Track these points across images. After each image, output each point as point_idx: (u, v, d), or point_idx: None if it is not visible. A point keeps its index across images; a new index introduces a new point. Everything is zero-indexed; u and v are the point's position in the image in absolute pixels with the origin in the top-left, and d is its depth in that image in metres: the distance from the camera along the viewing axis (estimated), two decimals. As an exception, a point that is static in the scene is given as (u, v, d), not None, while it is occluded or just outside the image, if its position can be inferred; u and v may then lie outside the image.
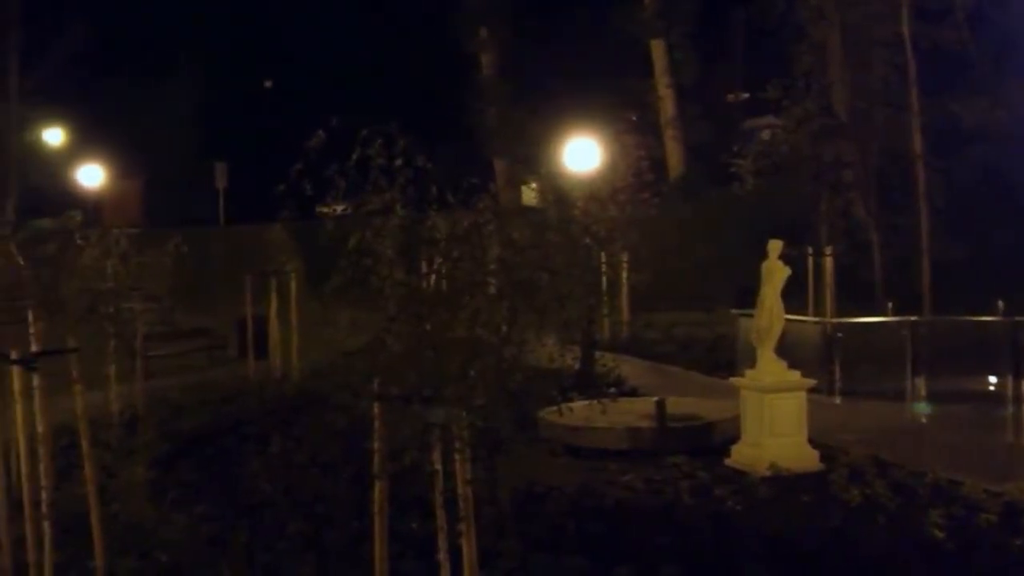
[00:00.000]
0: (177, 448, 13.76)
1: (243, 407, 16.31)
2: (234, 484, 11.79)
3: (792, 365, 12.50)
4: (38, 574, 8.90)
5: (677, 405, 13.65)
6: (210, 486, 11.84)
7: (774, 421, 12.11)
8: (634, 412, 13.75)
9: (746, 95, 42.09)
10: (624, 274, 21.94)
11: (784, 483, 11.18)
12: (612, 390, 15.37)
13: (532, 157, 27.12)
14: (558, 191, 14.00)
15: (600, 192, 17.66)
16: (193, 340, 22.79)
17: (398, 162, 6.87)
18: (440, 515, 6.96)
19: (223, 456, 13.48)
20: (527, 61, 39.79)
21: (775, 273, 12.24)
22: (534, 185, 30.30)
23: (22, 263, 9.16)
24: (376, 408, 6.92)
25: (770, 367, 12.32)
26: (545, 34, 39.77)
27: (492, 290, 6.52)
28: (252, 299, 19.66)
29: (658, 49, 38.39)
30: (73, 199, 42.77)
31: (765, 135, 31.04)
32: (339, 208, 7.66)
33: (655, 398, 13.40)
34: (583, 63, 37.21)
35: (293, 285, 18.85)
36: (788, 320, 12.59)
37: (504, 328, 6.39)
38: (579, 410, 12.49)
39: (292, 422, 14.11)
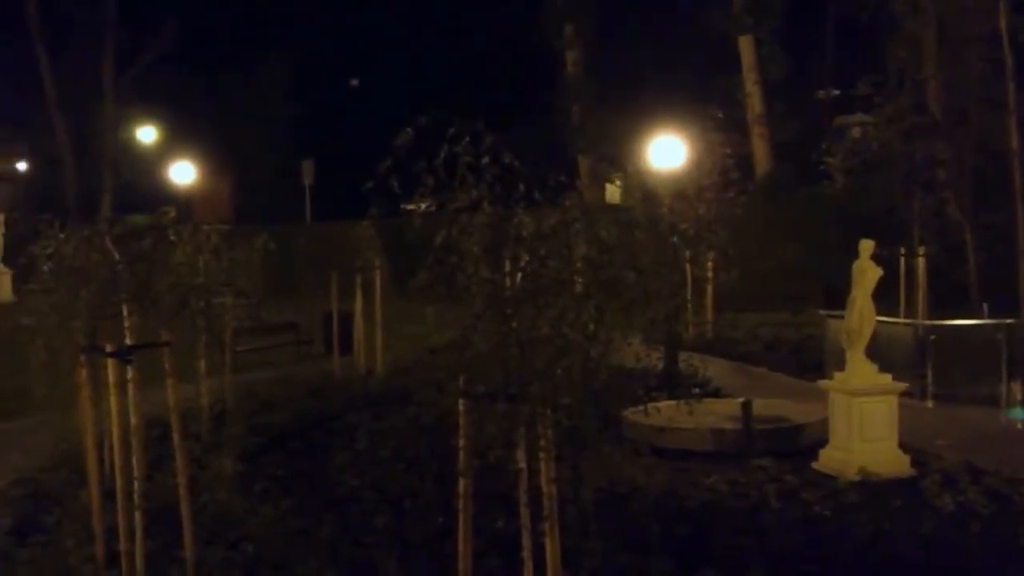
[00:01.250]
0: (264, 441, 13.97)
1: (328, 402, 16.50)
2: (320, 478, 11.93)
3: (883, 368, 12.24)
4: (130, 563, 9.09)
5: (763, 407, 13.45)
6: (296, 479, 11.99)
7: (864, 425, 11.87)
8: (719, 413, 13.60)
9: (836, 92, 41.37)
10: (709, 273, 21.73)
11: (874, 488, 10.94)
12: (696, 390, 15.21)
13: (616, 155, 26.96)
14: (645, 189, 13.92)
15: (686, 190, 17.50)
16: (280, 335, 23.14)
17: (485, 159, 6.87)
18: (524, 513, 6.95)
19: (309, 450, 13.65)
20: (612, 58, 39.65)
21: (866, 273, 11.99)
22: (618, 183, 30.17)
23: (117, 258, 9.35)
24: (461, 405, 6.93)
25: (860, 370, 12.07)
26: (631, 31, 39.60)
27: (579, 288, 6.48)
28: (338, 295, 19.89)
29: (746, 45, 37.91)
30: (165, 196, 43.68)
31: (855, 133, 30.45)
32: (423, 205, 7.69)
33: (741, 399, 13.21)
34: (669, 60, 36.96)
35: (378, 282, 19.03)
36: (879, 322, 12.32)
37: (591, 327, 6.35)
38: (663, 410, 12.38)
39: (377, 417, 14.25)
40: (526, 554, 6.99)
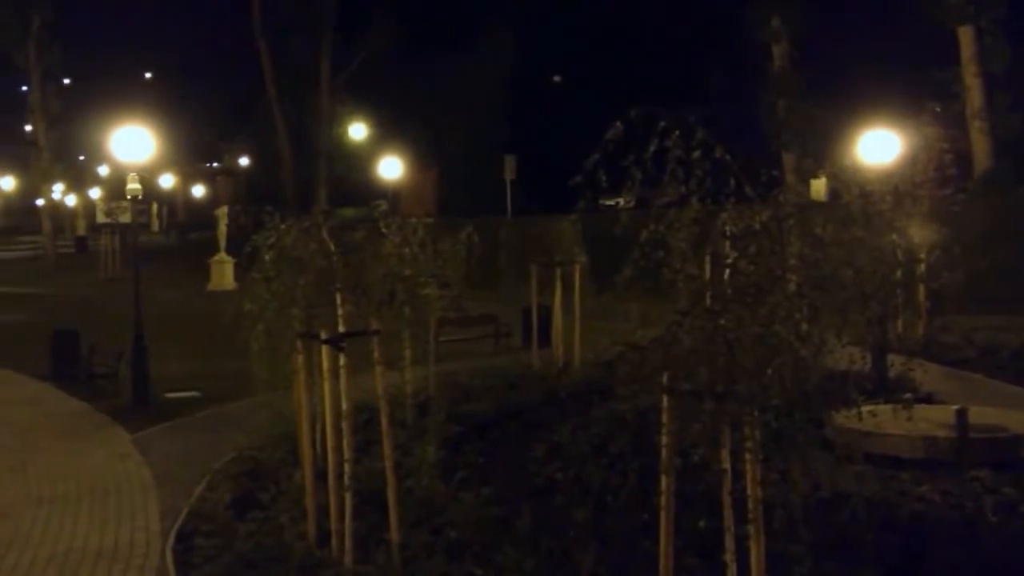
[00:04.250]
0: (465, 430, 14.25)
1: (527, 394, 16.67)
2: (518, 468, 12.06)
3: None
4: (339, 542, 9.45)
5: (980, 415, 12.79)
6: (495, 469, 12.17)
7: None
8: (930, 420, 13.00)
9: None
10: (922, 273, 20.77)
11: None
12: (907, 396, 14.57)
13: (823, 150, 26.15)
14: (862, 184, 13.41)
15: (900, 186, 16.77)
16: (481, 327, 23.52)
17: (696, 154, 6.77)
18: (728, 515, 6.82)
19: (507, 440, 13.82)
20: (819, 51, 38.51)
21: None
22: (824, 179, 29.24)
23: (332, 249, 9.70)
24: (665, 402, 6.86)
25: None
26: (841, 23, 38.35)
27: (792, 287, 6.30)
28: (538, 289, 20.06)
29: (966, 36, 36.06)
30: (374, 190, 45.14)
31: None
32: (622, 201, 7.64)
33: (955, 406, 12.59)
34: (881, 52, 35.60)
35: (578, 276, 19.08)
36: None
37: (803, 326, 6.16)
38: (869, 415, 11.91)
39: (575, 411, 14.29)
40: (729, 556, 6.86)
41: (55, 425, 16.55)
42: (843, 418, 11.89)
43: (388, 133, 52.91)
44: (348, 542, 9.31)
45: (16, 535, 11.03)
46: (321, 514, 9.97)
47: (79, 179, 75.64)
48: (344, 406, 9.51)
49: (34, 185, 63.28)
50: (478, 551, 9.31)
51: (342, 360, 9.55)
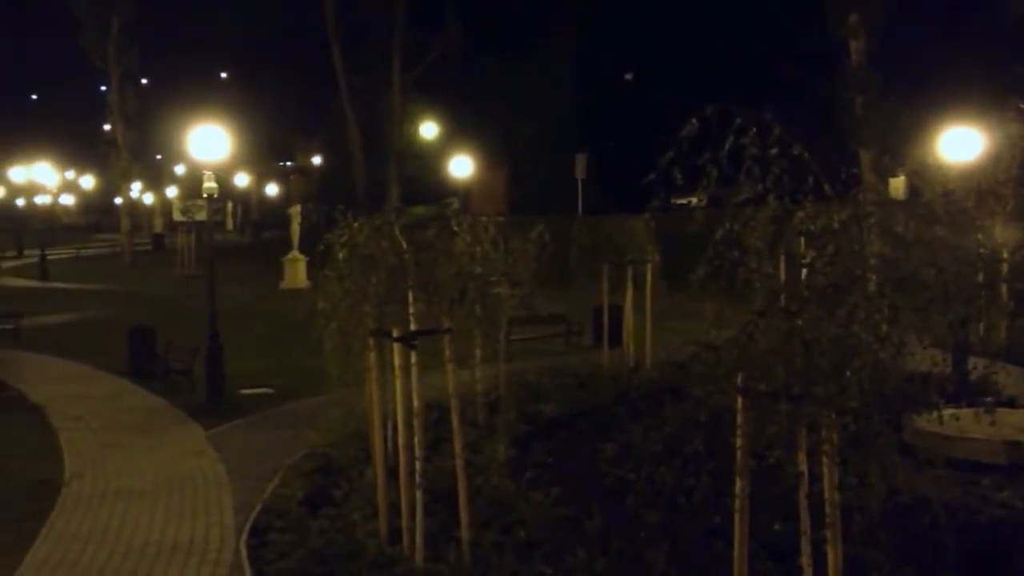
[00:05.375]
0: (534, 429, 14.22)
1: (598, 394, 16.59)
2: (588, 468, 12.01)
3: None
4: (410, 540, 9.46)
5: (1066, 420, 12.42)
6: (565, 468, 12.12)
7: None
8: (1013, 424, 12.70)
9: None
10: (1006, 273, 20.23)
11: None
12: (989, 399, 14.20)
13: (901, 147, 25.64)
14: (944, 182, 13.12)
15: (983, 185, 16.36)
16: (551, 326, 23.47)
17: (773, 151, 6.64)
18: (804, 518, 6.70)
19: (578, 440, 13.77)
20: (898, 47, 37.79)
21: None
22: (902, 177, 28.69)
23: (404, 247, 9.72)
24: (740, 403, 6.75)
25: None
26: (920, 18, 37.61)
27: (872, 287, 6.15)
28: (609, 288, 19.96)
29: (1049, 30, 35.15)
30: (444, 189, 45.33)
31: None
32: (695, 199, 7.54)
33: (1040, 411, 12.26)
34: (961, 47, 34.83)
35: (649, 275, 18.95)
36: None
37: (883, 327, 6.02)
38: (951, 418, 11.65)
39: (646, 411, 14.18)
40: (805, 560, 6.73)
41: (133, 420, 16.85)
42: (923, 421, 11.64)
43: (459, 131, 53.08)
44: (419, 540, 9.32)
45: (94, 528, 11.24)
46: (392, 512, 10.00)
47: (156, 178, 77.07)
48: (415, 404, 9.53)
49: (113, 184, 64.55)
50: (548, 551, 9.28)
51: (413, 358, 9.57)
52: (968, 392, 14.95)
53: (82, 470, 13.66)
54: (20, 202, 76.92)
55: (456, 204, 12.96)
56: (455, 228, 10.38)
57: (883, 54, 38.60)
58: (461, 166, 42.53)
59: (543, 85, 56.55)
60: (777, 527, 8.23)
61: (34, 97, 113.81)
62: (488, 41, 55.02)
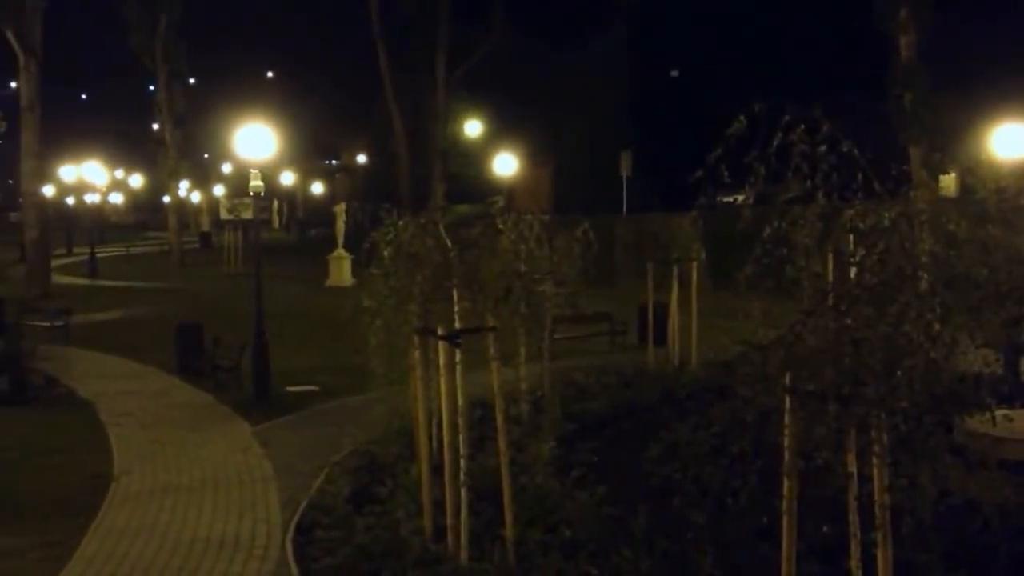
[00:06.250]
0: (579, 428, 14.19)
1: (643, 393, 16.53)
2: (633, 468, 11.95)
3: None
4: (455, 538, 9.47)
5: (1122, 422, 12.14)
6: (610, 467, 12.08)
7: None
8: (1067, 426, 12.41)
9: None
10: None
11: None
12: (1040, 400, 13.96)
13: (952, 145, 25.26)
14: (996, 180, 12.91)
15: (1034, 182, 16.10)
16: (596, 324, 23.41)
17: (822, 148, 6.56)
18: (853, 520, 6.61)
19: (623, 439, 13.72)
20: (950, 43, 37.25)
21: None
22: (953, 174, 28.27)
23: (449, 246, 9.72)
24: (788, 403, 6.68)
25: None
26: (970, 13, 37.07)
27: (923, 285, 6.06)
28: (654, 286, 19.87)
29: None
30: (488, 187, 45.34)
31: None
32: (740, 198, 7.47)
33: (1095, 412, 11.99)
34: (1013, 42, 34.27)
35: (695, 273, 18.83)
36: None
37: (935, 327, 5.92)
38: (1004, 419, 11.44)
39: (692, 411, 14.08)
40: (854, 563, 6.65)
41: (180, 417, 17.02)
42: (975, 423, 11.45)
43: (503, 129, 53.11)
44: (463, 538, 9.32)
45: (143, 523, 11.36)
46: (437, 509, 10.01)
47: (204, 176, 77.80)
48: (460, 402, 9.53)
49: (161, 182, 65.28)
50: (593, 551, 9.24)
51: (458, 356, 9.57)
52: (1021, 393, 14.72)
53: (131, 466, 13.82)
54: (70, 200, 78.08)
55: (501, 202, 12.87)
56: (500, 226, 10.38)
57: (934, 49, 38.08)
58: (505, 164, 42.49)
59: (589, 81, 56.45)
60: (826, 529, 8.14)
61: (83, 96, 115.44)
62: (534, 38, 55.01)
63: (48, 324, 26.32)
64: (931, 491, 6.29)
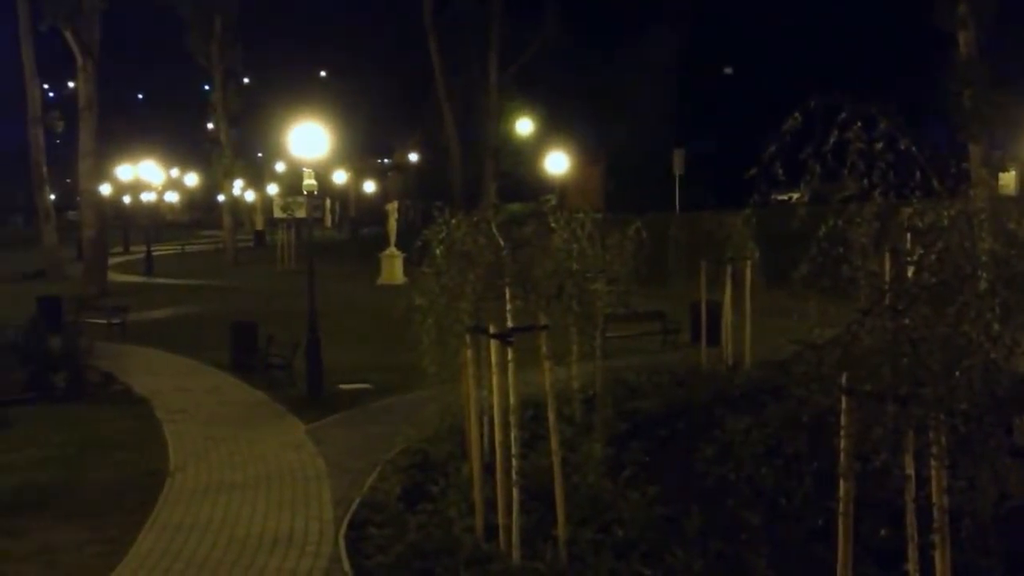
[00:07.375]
0: (631, 427, 14.13)
1: (696, 392, 16.41)
2: (686, 468, 11.88)
3: None
4: (507, 537, 9.46)
5: None
6: (664, 467, 12.01)
7: None
8: None
9: None
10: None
11: None
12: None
13: (1012, 142, 24.85)
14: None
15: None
16: (648, 323, 23.29)
17: (879, 145, 6.46)
18: (911, 523, 6.51)
19: (675, 439, 13.63)
20: (1009, 40, 36.60)
21: None
22: (1012, 171, 27.82)
23: (501, 244, 9.72)
24: (844, 403, 6.59)
25: None
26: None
27: (983, 285, 5.95)
28: (707, 285, 19.73)
29: None
30: (540, 185, 45.35)
31: None
32: (796, 195, 7.38)
33: None
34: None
35: (748, 272, 18.68)
36: None
37: (995, 327, 5.81)
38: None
39: (746, 411, 13.98)
40: (911, 567, 6.54)
41: (234, 414, 17.20)
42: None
43: (555, 128, 53.07)
44: (515, 537, 9.32)
45: (198, 519, 11.48)
46: (489, 508, 10.02)
47: (257, 175, 78.62)
48: (512, 400, 9.52)
49: (216, 181, 66.01)
50: (646, 551, 9.20)
51: (510, 355, 9.56)
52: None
53: (185, 462, 13.99)
54: (126, 199, 79.21)
55: (554, 200, 12.79)
56: (552, 225, 10.35)
57: (993, 46, 37.43)
58: (557, 162, 42.48)
59: (641, 79, 56.20)
60: (883, 532, 8.03)
61: (140, 96, 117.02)
62: (586, 36, 54.89)
63: (105, 321, 26.76)
64: (990, 493, 6.19)
